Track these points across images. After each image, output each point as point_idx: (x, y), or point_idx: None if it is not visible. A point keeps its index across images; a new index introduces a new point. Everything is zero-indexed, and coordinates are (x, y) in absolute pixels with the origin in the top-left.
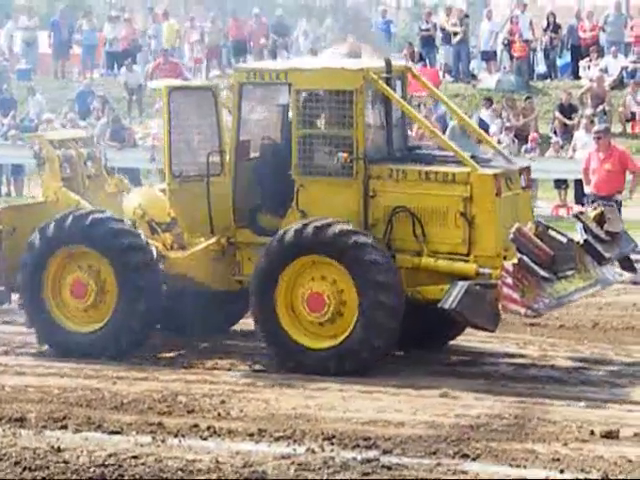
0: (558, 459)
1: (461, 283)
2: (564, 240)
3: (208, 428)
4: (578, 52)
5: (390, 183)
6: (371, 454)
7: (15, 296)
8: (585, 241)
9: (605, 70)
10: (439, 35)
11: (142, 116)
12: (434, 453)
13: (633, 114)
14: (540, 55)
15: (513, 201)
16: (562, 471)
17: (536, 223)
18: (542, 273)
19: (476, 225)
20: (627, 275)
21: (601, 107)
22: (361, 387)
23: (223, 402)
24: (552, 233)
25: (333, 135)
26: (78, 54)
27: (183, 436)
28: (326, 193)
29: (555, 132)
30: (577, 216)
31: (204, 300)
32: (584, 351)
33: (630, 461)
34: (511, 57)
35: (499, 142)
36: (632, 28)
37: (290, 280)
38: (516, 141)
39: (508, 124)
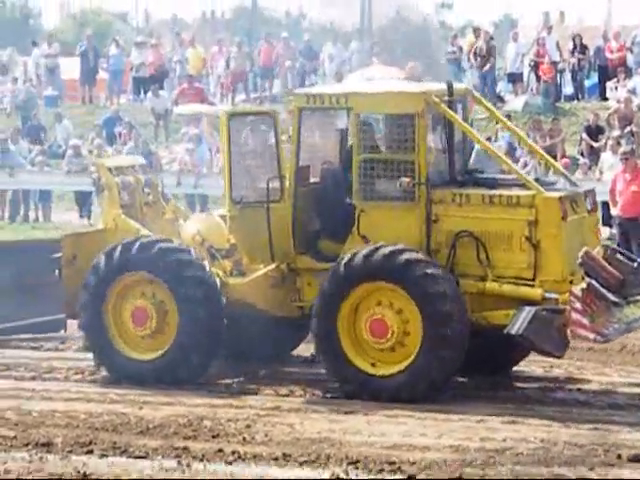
0: None
1: (528, 308)
2: (634, 264)
3: (233, 453)
4: (605, 73)
5: (453, 207)
6: (396, 478)
7: (71, 323)
8: None
9: (633, 91)
10: (465, 57)
11: (168, 141)
12: (459, 477)
13: None
14: (567, 76)
15: (579, 224)
16: None
17: (604, 247)
18: (612, 298)
19: (542, 249)
20: None
21: (628, 128)
22: (386, 411)
23: (248, 426)
24: (621, 257)
25: (394, 159)
26: (105, 80)
27: (208, 461)
28: (387, 218)
29: (582, 154)
30: None
31: (263, 326)
32: (611, 374)
33: None
34: (538, 79)
35: (525, 165)
36: None
37: (354, 305)
38: (542, 163)
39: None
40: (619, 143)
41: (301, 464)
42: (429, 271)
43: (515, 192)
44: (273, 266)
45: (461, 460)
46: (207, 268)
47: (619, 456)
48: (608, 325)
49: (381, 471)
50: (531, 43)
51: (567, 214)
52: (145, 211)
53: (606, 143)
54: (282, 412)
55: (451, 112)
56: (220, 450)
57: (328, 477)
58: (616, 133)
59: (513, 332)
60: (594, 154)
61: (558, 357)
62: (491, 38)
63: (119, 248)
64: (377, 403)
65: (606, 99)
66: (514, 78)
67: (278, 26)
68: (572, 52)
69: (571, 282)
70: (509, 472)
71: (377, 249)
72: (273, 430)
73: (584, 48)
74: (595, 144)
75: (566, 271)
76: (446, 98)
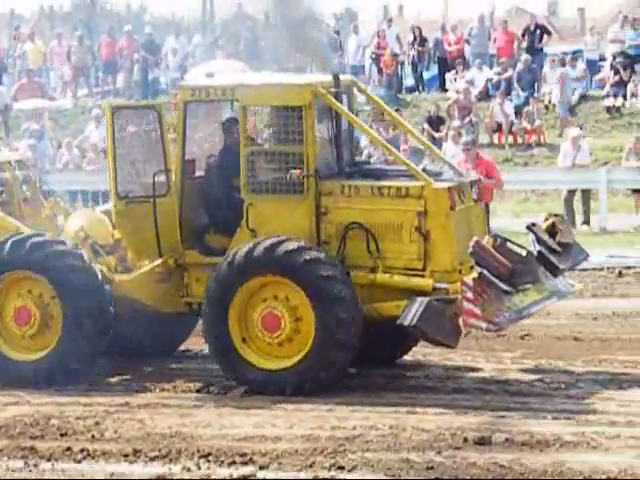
0: (432, 467)
1: (420, 299)
2: (523, 253)
3: (82, 451)
4: (444, 65)
5: (342, 199)
6: (247, 470)
7: None
8: (539, 252)
9: (471, 82)
10: None
11: (9, 137)
12: (311, 466)
13: (499, 125)
14: (408, 68)
15: (466, 214)
16: (437, 479)
17: (494, 236)
18: (503, 286)
19: (431, 240)
20: (578, 286)
21: (468, 118)
22: (237, 403)
23: (97, 424)
24: (510, 246)
25: (282, 152)
26: None
27: (56, 460)
28: (276, 211)
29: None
30: (529, 227)
31: (148, 323)
32: (456, 359)
33: (502, 466)
34: (379, 71)
35: (369, 155)
36: (495, 40)
37: (243, 302)
38: (387, 154)
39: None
40: (460, 133)
41: (152, 459)
42: (309, 257)
43: (404, 183)
44: (159, 261)
45: (312, 449)
46: (84, 255)
47: (465, 439)
48: (499, 314)
49: (233, 463)
50: (372, 36)
51: (455, 204)
52: (23, 208)
53: (447, 133)
54: (132, 408)
55: (338, 104)
56: (68, 449)
57: (179, 471)
58: (456, 123)
59: (406, 323)
60: (436, 144)
61: (451, 347)
62: (337, 32)
63: None
64: (225, 396)
65: (446, 90)
66: (356, 70)
67: (119, 20)
68: (412, 44)
69: (460, 272)
70: (359, 459)
71: (257, 244)
72: (123, 426)
73: (423, 40)
74: (436, 134)
75: (455, 261)
76: (333, 89)
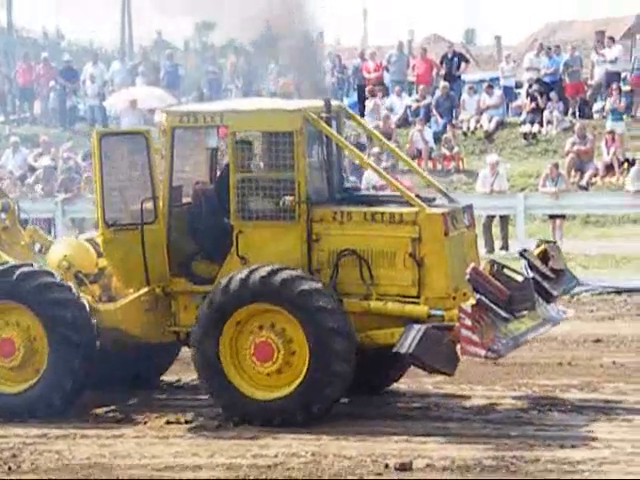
0: None
1: (417, 326)
2: (520, 279)
3: None
4: (364, 92)
5: (334, 226)
6: None
7: None
8: (532, 279)
9: (390, 109)
10: (226, 78)
11: None
12: None
13: (419, 151)
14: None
15: (460, 240)
16: None
17: (491, 262)
18: (501, 313)
19: (425, 266)
20: (570, 312)
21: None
22: (156, 433)
23: (14, 456)
24: (507, 272)
25: (273, 178)
26: None
27: None
28: (267, 238)
29: (345, 171)
30: (522, 254)
31: (130, 353)
32: None
33: None
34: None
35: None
36: (414, 68)
37: (235, 330)
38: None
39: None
40: (380, 159)
41: None
42: (306, 287)
43: (398, 209)
44: (145, 290)
45: (234, 478)
46: (73, 288)
47: (387, 465)
48: (497, 341)
49: None
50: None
51: (449, 230)
52: (3, 237)
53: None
54: (50, 439)
55: (330, 129)
56: None
57: None
58: (376, 150)
59: (403, 351)
60: (357, 170)
61: (449, 375)
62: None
63: None
64: (145, 425)
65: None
66: (275, 97)
67: (36, 46)
68: (332, 71)
69: (454, 298)
70: None
71: (253, 271)
72: (40, 458)
73: (343, 67)
74: (357, 161)
75: (450, 287)
76: (323, 115)
